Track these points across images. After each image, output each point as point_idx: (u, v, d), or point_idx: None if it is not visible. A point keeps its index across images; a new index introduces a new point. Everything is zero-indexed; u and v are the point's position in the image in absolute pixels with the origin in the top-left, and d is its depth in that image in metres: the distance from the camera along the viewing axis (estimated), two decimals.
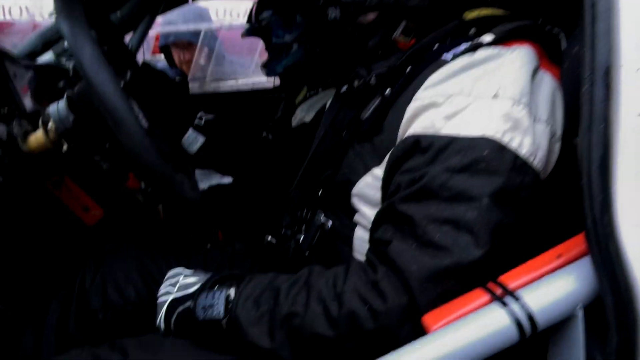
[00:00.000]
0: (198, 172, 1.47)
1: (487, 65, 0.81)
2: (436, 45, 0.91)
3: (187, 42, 2.64)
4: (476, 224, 0.72)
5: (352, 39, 0.99)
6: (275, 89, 2.34)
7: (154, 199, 1.53)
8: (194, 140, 1.41)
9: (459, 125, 0.77)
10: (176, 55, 2.68)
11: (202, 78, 2.40)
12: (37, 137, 0.97)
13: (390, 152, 0.87)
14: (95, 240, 1.36)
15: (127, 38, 2.33)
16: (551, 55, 0.87)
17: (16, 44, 2.19)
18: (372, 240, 0.85)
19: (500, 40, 0.84)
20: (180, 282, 0.93)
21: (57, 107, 0.96)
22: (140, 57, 2.48)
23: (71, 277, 1.19)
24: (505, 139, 0.75)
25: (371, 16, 0.96)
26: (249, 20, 1.97)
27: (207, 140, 1.41)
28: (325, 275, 0.81)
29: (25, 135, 1.01)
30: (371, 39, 0.97)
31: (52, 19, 1.98)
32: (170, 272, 0.99)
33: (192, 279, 0.94)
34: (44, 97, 1.31)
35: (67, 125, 0.95)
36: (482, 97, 0.77)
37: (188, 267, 1.01)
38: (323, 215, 1.01)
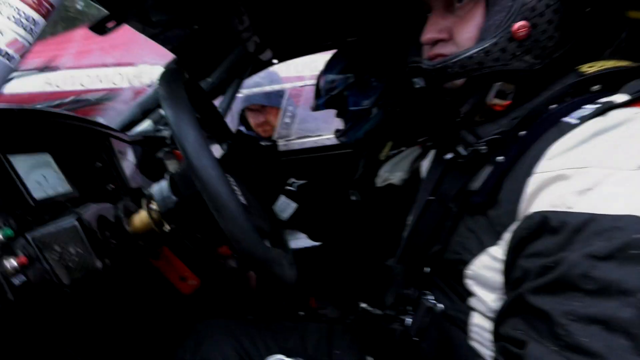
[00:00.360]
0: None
1: (624, 130, 0.68)
2: (553, 105, 0.80)
3: (260, 106, 2.72)
4: (634, 324, 0.59)
5: (441, 105, 0.92)
6: (357, 144, 2.34)
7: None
8: (286, 206, 1.39)
9: (596, 201, 0.65)
10: (251, 119, 2.75)
11: (287, 136, 2.44)
12: (141, 218, 0.99)
13: (511, 231, 0.76)
14: (192, 311, 1.35)
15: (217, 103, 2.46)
16: None
17: (121, 111, 2.36)
18: (498, 335, 0.74)
19: (636, 100, 0.72)
20: None
21: (161, 188, 0.97)
22: (229, 121, 2.61)
23: (169, 353, 1.18)
24: None
25: (459, 81, 0.88)
26: (318, 94, 1.98)
27: (299, 206, 1.38)
28: None
29: (129, 215, 1.02)
30: (462, 105, 0.89)
31: (151, 88, 2.12)
32: None
33: None
34: (148, 169, 1.36)
35: (169, 206, 0.95)
36: (622, 168, 0.65)
37: (285, 342, 0.95)
38: (432, 296, 0.91)
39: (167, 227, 0.96)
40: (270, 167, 1.42)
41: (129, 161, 1.45)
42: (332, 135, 2.64)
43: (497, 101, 0.84)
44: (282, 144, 2.36)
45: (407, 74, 0.91)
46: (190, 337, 1.16)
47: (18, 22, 0.68)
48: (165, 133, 1.93)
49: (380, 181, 1.75)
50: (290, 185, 1.41)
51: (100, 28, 1.40)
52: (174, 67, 0.95)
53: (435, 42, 0.90)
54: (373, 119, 1.77)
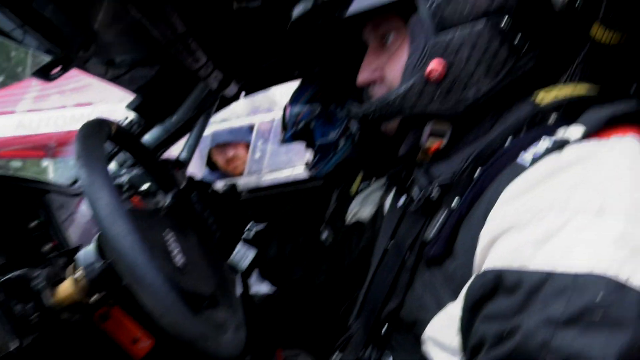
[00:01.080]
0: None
1: (581, 169, 0.60)
2: (508, 140, 0.72)
3: (224, 143, 2.64)
4: None
5: (382, 147, 0.85)
6: (328, 177, 2.26)
7: None
8: (243, 255, 1.29)
9: (554, 255, 0.56)
10: (219, 157, 2.66)
11: (258, 171, 2.35)
12: (64, 287, 0.88)
13: (466, 287, 0.67)
14: None
15: (183, 141, 2.38)
16: None
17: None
18: None
19: (593, 132, 0.64)
20: None
21: (86, 252, 0.87)
22: (196, 160, 2.53)
23: None
24: (623, 274, 0.52)
25: (393, 124, 0.83)
26: (284, 126, 1.93)
27: (257, 255, 1.28)
28: None
29: (59, 282, 0.92)
30: (401, 147, 0.84)
31: None
32: None
33: None
34: None
35: (96, 273, 0.85)
36: (581, 212, 0.57)
37: None
38: (392, 358, 0.82)
39: (94, 297, 0.86)
40: (228, 212, 1.32)
41: (78, 214, 1.35)
42: (303, 169, 2.58)
43: (431, 142, 0.77)
44: (252, 181, 2.28)
45: (345, 118, 0.85)
46: None
47: None
48: (124, 179, 1.84)
49: (350, 217, 1.67)
50: (250, 230, 1.31)
51: (44, 74, 1.32)
52: (96, 120, 0.86)
53: (372, 83, 0.85)
54: (341, 150, 1.72)
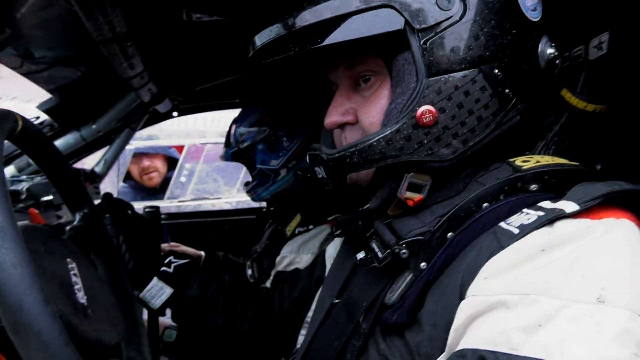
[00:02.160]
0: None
1: (576, 248, 0.54)
2: (484, 205, 0.66)
3: (140, 152, 2.45)
4: None
5: (350, 197, 0.77)
6: (262, 210, 2.14)
7: None
8: (159, 292, 1.11)
9: (548, 344, 0.49)
10: (134, 167, 2.46)
11: (181, 197, 2.16)
12: None
13: None
14: None
15: (102, 152, 2.14)
16: None
17: None
18: None
19: (585, 211, 0.59)
20: None
21: None
22: (113, 174, 2.30)
23: None
24: None
25: (366, 173, 0.75)
26: (227, 143, 1.82)
27: (175, 294, 1.11)
28: None
29: None
30: (372, 199, 0.75)
31: None
32: None
33: None
34: None
35: None
36: (578, 300, 0.50)
37: None
38: None
39: None
40: (147, 240, 1.15)
41: None
42: (232, 199, 2.42)
43: (409, 195, 0.70)
44: (174, 206, 2.09)
45: (309, 162, 0.75)
46: None
47: None
48: (22, 186, 1.58)
49: (283, 263, 1.55)
50: (169, 265, 1.14)
51: None
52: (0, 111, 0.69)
53: (342, 126, 0.77)
54: (280, 181, 1.63)
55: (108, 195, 1.14)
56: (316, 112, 0.91)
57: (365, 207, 0.92)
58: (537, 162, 0.68)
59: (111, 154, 2.08)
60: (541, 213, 0.59)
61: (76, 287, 0.74)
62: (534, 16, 0.70)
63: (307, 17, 0.67)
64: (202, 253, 1.85)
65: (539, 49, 0.71)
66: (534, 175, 0.66)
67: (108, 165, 2.09)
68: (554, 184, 0.66)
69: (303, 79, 0.92)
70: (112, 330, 0.75)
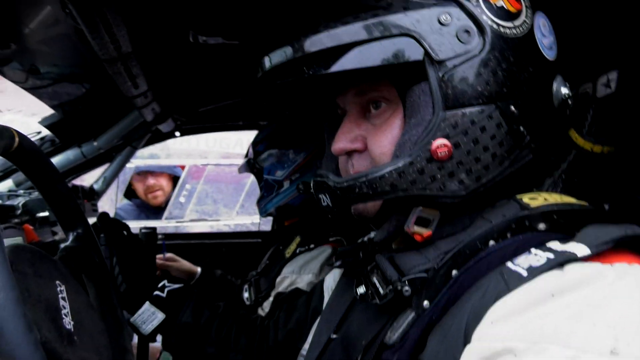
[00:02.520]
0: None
1: (589, 295, 0.52)
2: (490, 243, 0.64)
3: (146, 171, 2.45)
4: None
5: (355, 228, 0.74)
6: (260, 233, 2.12)
7: None
8: (149, 317, 1.08)
9: None
10: (138, 184, 2.45)
11: (179, 217, 2.14)
12: None
13: None
14: None
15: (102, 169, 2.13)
16: None
17: None
18: None
19: (596, 255, 0.56)
20: None
21: None
22: (112, 192, 2.28)
23: None
24: None
25: (373, 205, 0.72)
26: (247, 155, 1.85)
27: (166, 319, 1.08)
28: None
29: None
30: (378, 231, 0.72)
31: None
32: None
33: None
34: None
35: None
36: (590, 351, 0.47)
37: None
38: None
39: None
40: (141, 263, 1.12)
41: None
42: (231, 222, 2.40)
43: (417, 229, 0.67)
44: (171, 226, 2.06)
45: (313, 189, 0.72)
46: None
47: None
48: (19, 201, 1.56)
49: (283, 283, 1.52)
50: (162, 289, 1.11)
51: None
52: None
53: (350, 153, 0.74)
54: (283, 193, 1.64)
55: (104, 215, 1.12)
56: (320, 132, 0.88)
57: (365, 238, 0.90)
58: (545, 199, 0.66)
59: (111, 172, 2.07)
60: (551, 255, 0.56)
61: (63, 311, 0.71)
62: (551, 55, 0.70)
63: (325, 40, 0.65)
64: (199, 269, 1.84)
65: (554, 88, 0.69)
66: (542, 214, 0.64)
67: (107, 183, 2.07)
68: (562, 224, 0.63)
69: (307, 102, 0.89)
70: (97, 358, 0.72)
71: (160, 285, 1.11)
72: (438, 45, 0.64)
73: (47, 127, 1.81)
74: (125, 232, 1.14)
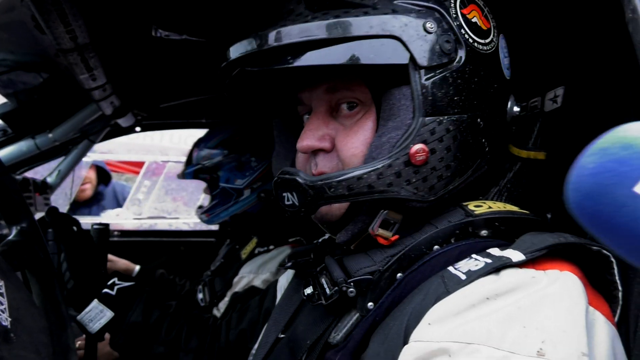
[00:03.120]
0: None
1: (520, 299, 0.54)
2: (435, 247, 0.66)
3: None
4: None
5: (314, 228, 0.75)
6: (220, 232, 2.10)
7: None
8: (97, 315, 1.05)
9: None
10: None
11: (137, 215, 2.09)
12: None
13: None
14: None
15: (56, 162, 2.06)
16: (591, 279, 0.63)
17: None
18: None
19: (531, 261, 0.59)
20: None
21: None
22: (67, 186, 2.20)
23: None
24: None
25: (339, 207, 0.72)
26: (189, 162, 1.80)
27: (115, 318, 1.05)
28: None
29: None
30: (341, 232, 0.72)
31: None
32: None
33: None
34: None
35: None
36: (518, 352, 0.50)
37: None
38: None
39: None
40: (90, 259, 1.09)
41: None
42: (190, 220, 2.36)
43: (381, 232, 0.68)
44: (128, 224, 2.01)
45: (276, 186, 0.71)
46: None
47: None
48: None
49: (242, 283, 1.52)
50: (111, 287, 1.08)
51: None
52: None
53: (315, 152, 0.73)
54: (242, 201, 1.63)
55: (53, 209, 1.08)
56: (268, 130, 0.87)
57: (320, 240, 0.90)
58: (490, 207, 0.68)
59: (66, 165, 2.00)
60: (489, 260, 0.59)
61: (0, 307, 0.68)
62: (508, 75, 0.74)
63: (314, 30, 0.63)
64: (137, 267, 1.80)
65: (508, 105, 0.73)
66: (485, 221, 0.66)
67: (62, 177, 2.00)
68: (504, 231, 0.66)
69: (270, 96, 0.87)
70: (35, 357, 0.70)
71: (109, 282, 1.09)
72: (423, 52, 0.65)
73: (0, 116, 1.73)
74: (75, 228, 1.11)
